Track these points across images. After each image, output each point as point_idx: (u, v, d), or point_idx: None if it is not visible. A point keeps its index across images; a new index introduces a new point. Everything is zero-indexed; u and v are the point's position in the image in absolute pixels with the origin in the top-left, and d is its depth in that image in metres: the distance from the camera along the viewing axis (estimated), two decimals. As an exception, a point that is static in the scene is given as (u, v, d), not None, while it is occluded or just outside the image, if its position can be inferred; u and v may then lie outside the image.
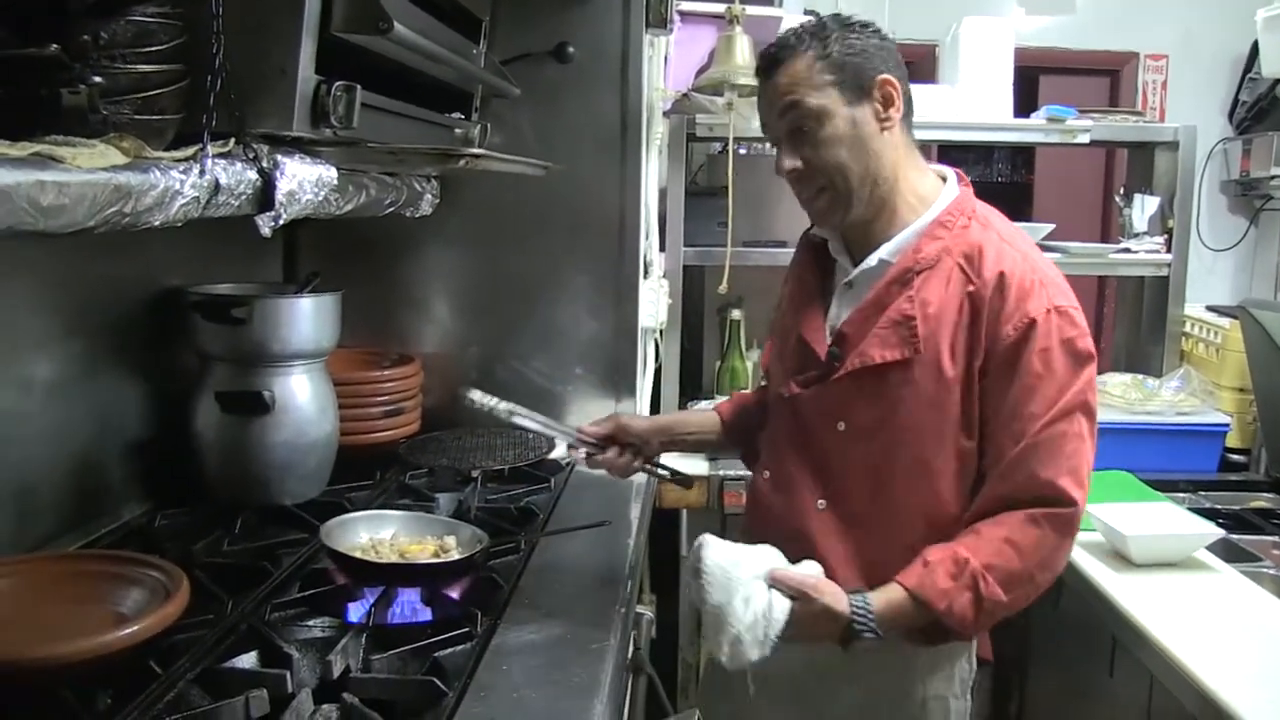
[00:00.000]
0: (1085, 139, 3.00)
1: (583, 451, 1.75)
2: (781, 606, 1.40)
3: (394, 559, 1.63)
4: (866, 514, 1.55)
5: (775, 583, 1.42)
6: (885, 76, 1.51)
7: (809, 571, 1.47)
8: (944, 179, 1.62)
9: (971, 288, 1.48)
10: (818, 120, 1.50)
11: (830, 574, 1.49)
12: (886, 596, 1.44)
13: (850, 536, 1.55)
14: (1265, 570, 2.06)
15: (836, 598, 1.43)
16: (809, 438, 1.60)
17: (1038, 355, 1.44)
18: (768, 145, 3.63)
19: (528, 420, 1.74)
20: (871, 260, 1.57)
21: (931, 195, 1.58)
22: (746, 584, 1.41)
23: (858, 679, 1.59)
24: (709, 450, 2.48)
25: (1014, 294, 1.46)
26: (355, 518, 1.73)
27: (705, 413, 1.97)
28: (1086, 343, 1.48)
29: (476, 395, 1.75)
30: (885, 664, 1.57)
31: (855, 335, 1.54)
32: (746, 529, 1.72)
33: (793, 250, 1.78)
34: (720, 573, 1.42)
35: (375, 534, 1.71)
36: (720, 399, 2.96)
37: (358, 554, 1.62)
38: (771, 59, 1.53)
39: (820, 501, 1.57)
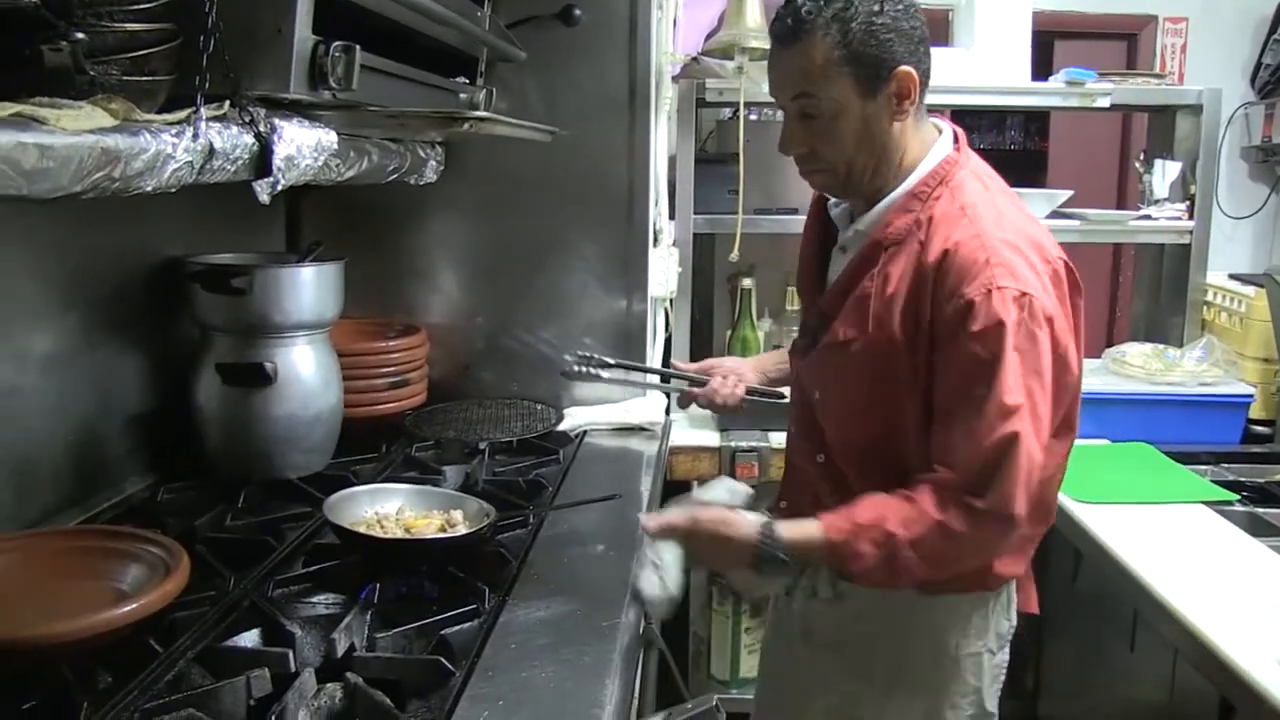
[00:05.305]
0: (1105, 103, 2.94)
1: (685, 386, 1.95)
2: (672, 554, 1.49)
3: (399, 534, 1.60)
4: (853, 469, 1.57)
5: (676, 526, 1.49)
6: (904, 69, 1.44)
7: (716, 495, 1.57)
8: (940, 132, 1.56)
9: (920, 263, 1.43)
10: (829, 113, 1.46)
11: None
12: (803, 530, 1.43)
13: (844, 485, 1.56)
14: (1289, 543, 2.02)
15: (739, 526, 1.45)
16: (802, 400, 1.69)
17: (974, 338, 1.36)
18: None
19: (627, 376, 2.00)
20: (849, 231, 1.59)
21: (917, 160, 1.52)
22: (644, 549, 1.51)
23: (894, 632, 1.60)
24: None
25: (955, 272, 1.38)
26: (360, 491, 1.71)
27: (780, 352, 2.06)
28: (1035, 327, 1.37)
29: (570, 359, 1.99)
30: (919, 618, 1.58)
31: (830, 311, 1.56)
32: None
33: (804, 218, 1.75)
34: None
35: (380, 508, 1.68)
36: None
37: (362, 529, 1.59)
38: (789, 32, 1.44)
39: (820, 456, 1.63)
